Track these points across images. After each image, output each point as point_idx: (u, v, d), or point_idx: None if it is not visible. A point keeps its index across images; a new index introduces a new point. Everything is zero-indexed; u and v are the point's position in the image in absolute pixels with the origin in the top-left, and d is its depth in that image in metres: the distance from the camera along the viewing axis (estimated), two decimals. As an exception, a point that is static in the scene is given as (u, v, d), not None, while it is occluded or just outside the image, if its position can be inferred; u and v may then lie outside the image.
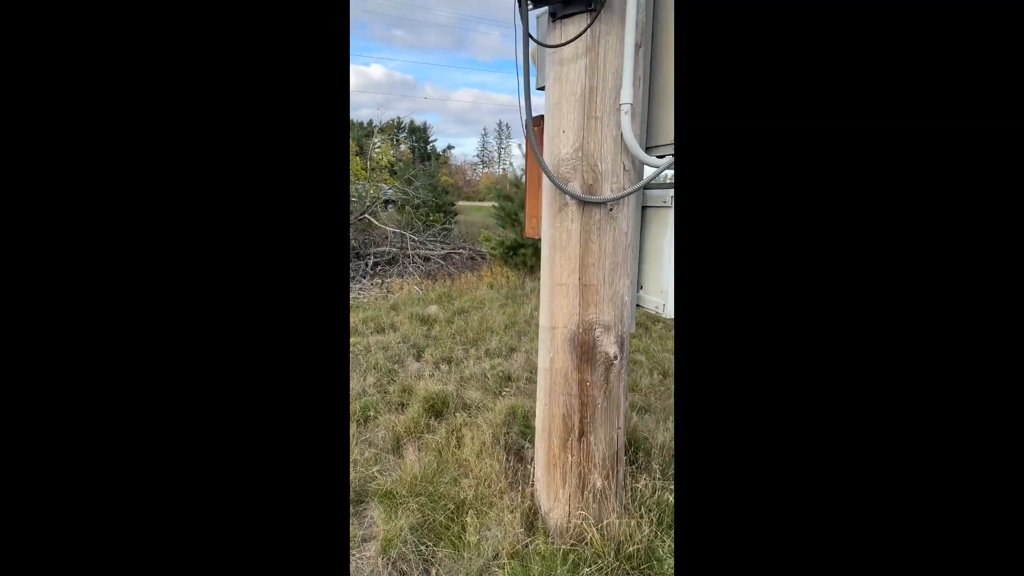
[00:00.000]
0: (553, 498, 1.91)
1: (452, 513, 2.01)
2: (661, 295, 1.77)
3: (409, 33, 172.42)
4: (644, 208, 1.87)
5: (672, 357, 4.02)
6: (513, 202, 7.37)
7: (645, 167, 1.71)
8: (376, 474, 2.33)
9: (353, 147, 11.03)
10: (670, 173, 1.72)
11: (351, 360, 3.82)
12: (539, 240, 1.98)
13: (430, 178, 11.37)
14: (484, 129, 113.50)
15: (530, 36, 1.62)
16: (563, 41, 1.64)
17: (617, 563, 1.74)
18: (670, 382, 3.55)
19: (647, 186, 1.72)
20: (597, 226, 1.71)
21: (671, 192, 1.70)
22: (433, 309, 5.75)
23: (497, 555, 1.79)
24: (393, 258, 8.43)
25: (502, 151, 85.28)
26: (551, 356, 1.86)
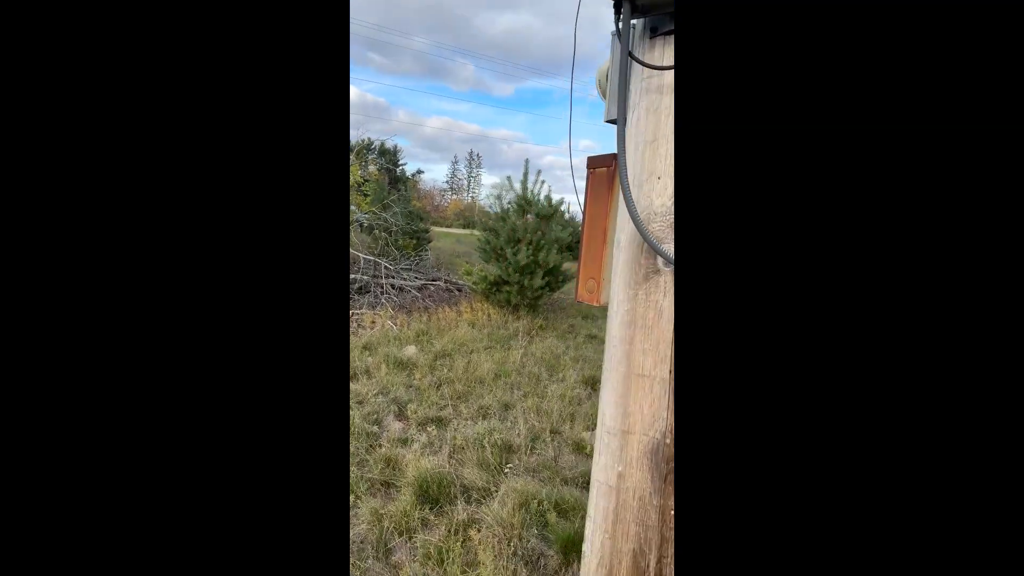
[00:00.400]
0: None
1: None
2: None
3: (385, 57, 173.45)
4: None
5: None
6: (499, 237, 6.91)
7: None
8: (360, 599, 1.79)
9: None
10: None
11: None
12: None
13: (406, 203, 10.89)
14: (455, 156, 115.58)
15: (631, 55, 1.22)
16: (670, 63, 1.25)
17: None
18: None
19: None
20: (698, 305, 1.30)
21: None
22: (411, 351, 5.19)
23: None
24: (364, 286, 7.81)
25: (472, 179, 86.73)
26: (620, 470, 1.41)
